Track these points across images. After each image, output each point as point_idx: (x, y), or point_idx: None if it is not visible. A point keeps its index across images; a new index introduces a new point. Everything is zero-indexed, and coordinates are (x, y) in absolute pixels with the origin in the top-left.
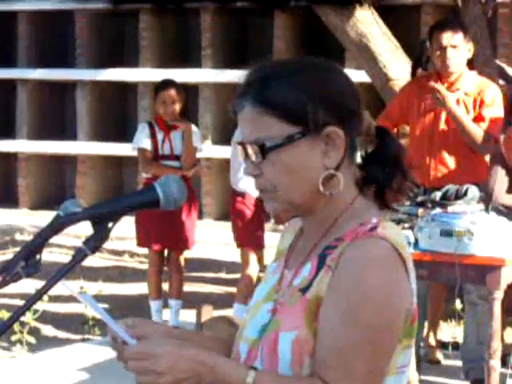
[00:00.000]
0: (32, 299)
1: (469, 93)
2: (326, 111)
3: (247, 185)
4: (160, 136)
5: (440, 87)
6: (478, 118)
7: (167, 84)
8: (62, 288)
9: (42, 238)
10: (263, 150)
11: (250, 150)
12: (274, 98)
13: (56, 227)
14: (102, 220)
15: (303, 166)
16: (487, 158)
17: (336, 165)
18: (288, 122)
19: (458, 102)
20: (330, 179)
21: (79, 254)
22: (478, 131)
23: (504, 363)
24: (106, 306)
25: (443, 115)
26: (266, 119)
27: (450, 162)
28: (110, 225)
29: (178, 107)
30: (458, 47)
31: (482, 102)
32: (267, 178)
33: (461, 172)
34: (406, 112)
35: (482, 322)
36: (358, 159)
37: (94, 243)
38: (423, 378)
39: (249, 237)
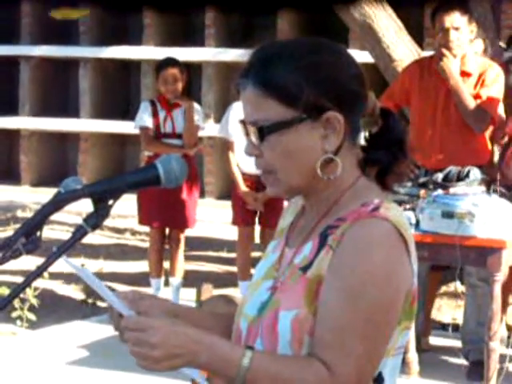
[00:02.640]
0: (32, 276)
1: (471, 74)
2: (326, 96)
3: (246, 165)
4: (162, 114)
5: (447, 53)
6: (475, 97)
7: (169, 63)
8: (62, 265)
9: (43, 214)
10: (262, 133)
11: (250, 131)
12: (274, 81)
13: (57, 204)
14: (103, 197)
15: (302, 149)
16: (488, 138)
17: (335, 149)
18: (287, 106)
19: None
20: (328, 163)
21: (79, 231)
22: (474, 107)
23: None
24: (106, 283)
25: (445, 97)
26: (265, 101)
27: (452, 143)
28: (110, 202)
29: (179, 86)
30: (460, 29)
31: (482, 81)
32: (266, 159)
33: (463, 154)
34: (407, 93)
35: (483, 303)
36: (362, 140)
37: (95, 220)
38: (423, 358)
39: (243, 215)
